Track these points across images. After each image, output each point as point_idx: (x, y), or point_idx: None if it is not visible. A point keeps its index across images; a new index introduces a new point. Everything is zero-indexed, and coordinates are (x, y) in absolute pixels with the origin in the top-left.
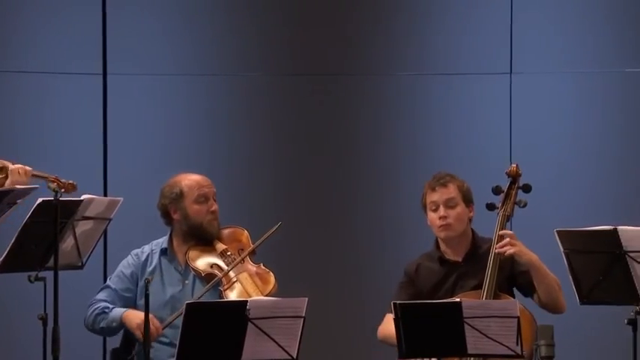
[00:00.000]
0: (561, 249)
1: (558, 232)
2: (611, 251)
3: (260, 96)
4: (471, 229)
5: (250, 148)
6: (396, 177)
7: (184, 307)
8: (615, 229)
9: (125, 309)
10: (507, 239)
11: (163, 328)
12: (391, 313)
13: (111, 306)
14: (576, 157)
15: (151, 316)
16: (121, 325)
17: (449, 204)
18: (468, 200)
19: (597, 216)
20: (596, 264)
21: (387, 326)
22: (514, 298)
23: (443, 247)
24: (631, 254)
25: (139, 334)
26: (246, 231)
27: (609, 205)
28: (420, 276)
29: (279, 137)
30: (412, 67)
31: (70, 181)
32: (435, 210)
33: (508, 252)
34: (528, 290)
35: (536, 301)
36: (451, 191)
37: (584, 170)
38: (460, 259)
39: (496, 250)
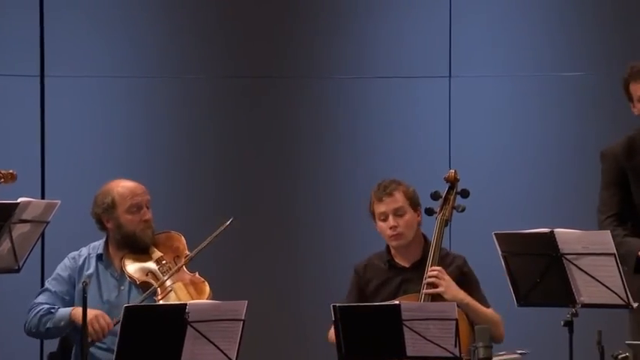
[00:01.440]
0: (499, 252)
1: (496, 234)
2: (548, 254)
3: (200, 98)
4: (422, 234)
5: (190, 150)
6: (335, 180)
7: (123, 310)
8: (552, 232)
9: (72, 307)
10: (434, 278)
11: (115, 325)
12: None
13: (56, 306)
14: (514, 161)
15: (101, 312)
16: (70, 322)
17: (397, 213)
18: (415, 205)
19: (535, 219)
20: (534, 266)
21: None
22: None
23: (393, 252)
24: (567, 256)
25: (90, 328)
26: (182, 236)
27: (547, 208)
28: (368, 274)
29: (219, 140)
30: (352, 71)
31: (10, 171)
32: (385, 220)
33: (435, 291)
34: None
35: None
36: (398, 200)
37: (522, 173)
38: (408, 265)
39: (425, 291)
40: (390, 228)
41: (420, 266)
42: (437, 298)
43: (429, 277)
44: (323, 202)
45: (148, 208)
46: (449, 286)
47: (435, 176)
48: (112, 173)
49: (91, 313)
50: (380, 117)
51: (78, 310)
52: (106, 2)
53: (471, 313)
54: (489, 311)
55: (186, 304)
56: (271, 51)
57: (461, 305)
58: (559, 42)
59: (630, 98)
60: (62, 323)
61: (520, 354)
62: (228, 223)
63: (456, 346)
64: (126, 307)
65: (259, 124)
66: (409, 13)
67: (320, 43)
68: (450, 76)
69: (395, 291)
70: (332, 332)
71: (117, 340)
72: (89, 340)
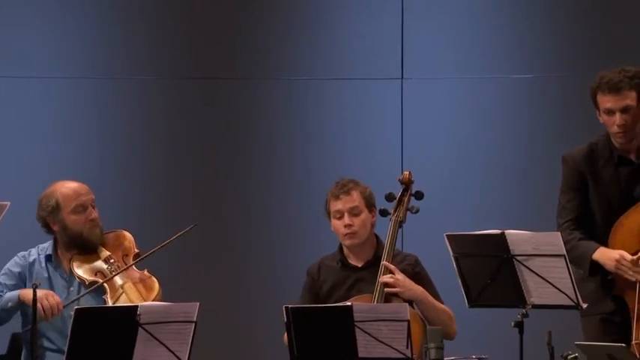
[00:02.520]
0: (451, 253)
1: (448, 236)
2: (499, 255)
3: (152, 100)
4: (375, 234)
5: (142, 152)
6: (289, 181)
7: (74, 311)
8: (503, 233)
9: (20, 289)
10: (390, 280)
11: (65, 306)
12: None
13: (5, 290)
14: (466, 162)
15: (50, 291)
16: (18, 303)
17: (353, 212)
18: (370, 206)
19: (486, 220)
20: (485, 267)
21: None
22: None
23: (346, 251)
24: (518, 258)
25: (40, 306)
26: (129, 234)
27: (498, 209)
28: (322, 276)
29: (171, 141)
30: (305, 72)
31: None
32: (340, 218)
33: (390, 291)
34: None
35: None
36: (355, 199)
37: (474, 175)
38: (360, 265)
39: (385, 290)
40: (345, 226)
41: (372, 266)
42: (392, 296)
43: (384, 281)
44: (276, 203)
45: (93, 207)
46: (404, 285)
47: (387, 177)
48: (62, 175)
49: (41, 292)
50: (333, 118)
51: (26, 291)
52: (57, 2)
53: (427, 308)
54: (444, 307)
55: (137, 306)
56: (225, 52)
57: (417, 301)
58: (510, 44)
59: (597, 107)
60: (10, 304)
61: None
62: (189, 229)
63: (407, 347)
64: (76, 308)
65: (211, 125)
66: (362, 15)
67: (274, 45)
68: (402, 78)
69: (348, 290)
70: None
71: (67, 341)
72: (40, 319)
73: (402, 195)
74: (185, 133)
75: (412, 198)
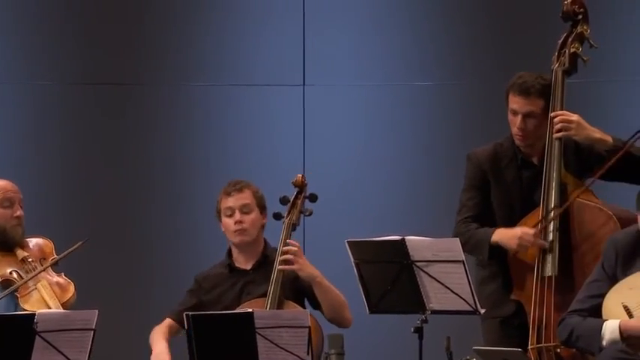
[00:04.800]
0: (352, 259)
1: (349, 242)
2: (399, 261)
3: (50, 105)
4: (264, 238)
5: (39, 158)
6: (190, 187)
7: None
8: (403, 240)
9: None
10: (290, 255)
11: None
12: (171, 316)
13: None
14: (368, 168)
15: None
16: None
17: (244, 209)
18: (262, 207)
19: (387, 226)
20: (385, 274)
21: (155, 330)
22: (304, 307)
23: (235, 254)
24: (418, 264)
25: None
26: (51, 242)
27: (399, 214)
28: (209, 283)
29: (69, 148)
30: (207, 78)
31: None
32: (231, 215)
33: (289, 268)
34: (316, 303)
35: (325, 317)
36: (247, 196)
37: (376, 181)
38: (249, 268)
39: (279, 267)
40: (236, 223)
41: (260, 267)
42: (291, 274)
43: (284, 252)
44: (176, 209)
45: (20, 206)
46: (304, 264)
47: (289, 183)
48: None
49: None
50: (235, 125)
51: None
52: None
53: (324, 290)
54: (339, 292)
55: (34, 314)
56: (126, 57)
57: (314, 283)
58: (410, 52)
59: (507, 105)
60: None
61: None
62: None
63: (308, 353)
64: None
65: (112, 131)
66: (264, 22)
67: (175, 51)
68: (303, 84)
69: (238, 294)
70: (152, 332)
71: None
72: None
73: (296, 198)
74: (83, 139)
75: (307, 201)
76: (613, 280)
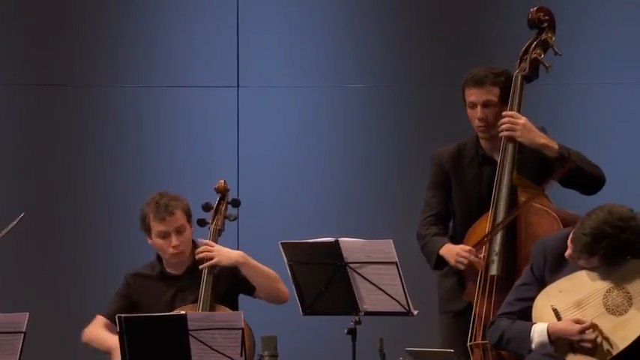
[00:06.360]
0: (285, 261)
1: (282, 244)
2: (333, 262)
3: None
4: (192, 239)
5: None
6: (123, 189)
7: None
8: (337, 241)
9: None
10: (203, 253)
11: None
12: (103, 314)
13: None
14: (302, 170)
15: None
16: None
17: (179, 231)
18: (190, 218)
19: (322, 228)
20: (319, 275)
21: (93, 329)
22: (237, 308)
23: (165, 262)
24: (351, 265)
25: None
26: None
27: (334, 216)
28: (139, 286)
29: (3, 147)
30: (140, 79)
31: None
32: (164, 237)
33: (210, 264)
34: (249, 290)
35: (261, 298)
36: (179, 217)
37: (311, 183)
38: (181, 273)
39: (200, 267)
40: (173, 247)
41: (193, 272)
42: (221, 274)
43: (198, 252)
44: (110, 212)
45: None
46: (220, 253)
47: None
48: None
49: None
50: (169, 126)
51: None
52: None
53: (251, 270)
54: (268, 268)
55: None
56: (58, 58)
57: (239, 265)
58: (344, 54)
59: (464, 102)
60: None
61: None
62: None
63: (242, 355)
64: None
65: (42, 133)
66: (198, 23)
67: (108, 52)
68: (238, 86)
69: (171, 301)
70: (88, 331)
71: None
72: None
73: (219, 204)
74: (14, 141)
75: (229, 206)
76: (541, 283)
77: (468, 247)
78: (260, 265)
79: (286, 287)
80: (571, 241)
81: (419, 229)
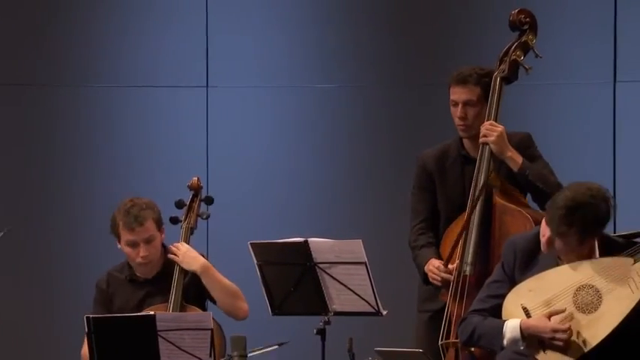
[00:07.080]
0: (255, 261)
1: (252, 244)
2: (302, 263)
3: None
4: (162, 245)
5: None
6: (91, 191)
7: None
8: (306, 242)
9: None
10: (171, 255)
11: None
12: None
13: None
14: (272, 170)
15: None
16: None
17: (148, 241)
18: (160, 225)
19: (292, 228)
20: (288, 275)
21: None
22: (206, 310)
23: (134, 266)
24: (320, 265)
25: None
26: None
27: (303, 216)
28: (110, 289)
29: None
30: (108, 79)
31: None
32: (133, 246)
33: (175, 258)
34: (211, 297)
35: (221, 309)
36: (149, 227)
37: (280, 183)
38: (150, 277)
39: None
40: (142, 257)
41: (162, 277)
42: (193, 279)
43: (170, 257)
44: (78, 212)
45: None
46: (185, 254)
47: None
48: None
49: None
50: (137, 126)
51: None
52: None
53: (211, 281)
54: (231, 283)
55: None
56: (25, 58)
57: (201, 274)
58: (313, 55)
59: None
60: None
61: (279, 344)
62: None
63: (211, 355)
64: None
65: (10, 133)
66: (167, 23)
67: (76, 51)
68: (207, 86)
69: (138, 305)
70: (84, 351)
71: None
72: None
73: (192, 201)
74: None
75: (202, 204)
76: (512, 281)
77: (437, 264)
78: (222, 279)
79: (247, 304)
80: (547, 223)
81: (409, 239)
